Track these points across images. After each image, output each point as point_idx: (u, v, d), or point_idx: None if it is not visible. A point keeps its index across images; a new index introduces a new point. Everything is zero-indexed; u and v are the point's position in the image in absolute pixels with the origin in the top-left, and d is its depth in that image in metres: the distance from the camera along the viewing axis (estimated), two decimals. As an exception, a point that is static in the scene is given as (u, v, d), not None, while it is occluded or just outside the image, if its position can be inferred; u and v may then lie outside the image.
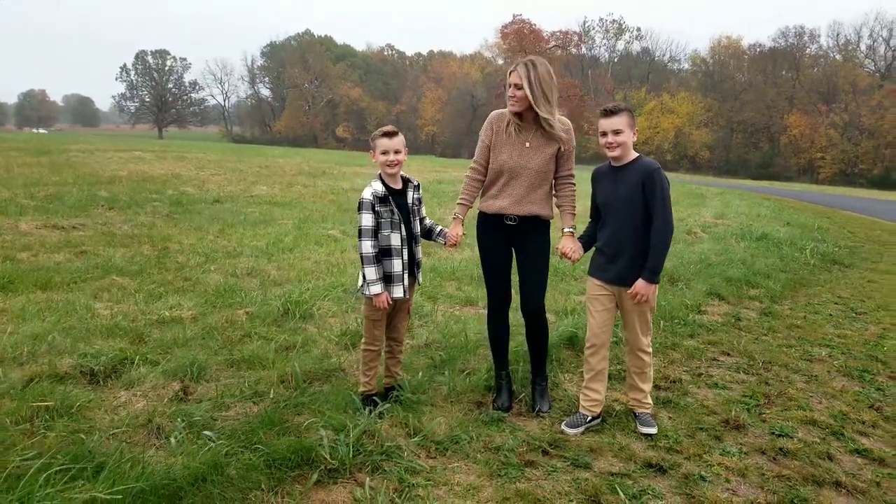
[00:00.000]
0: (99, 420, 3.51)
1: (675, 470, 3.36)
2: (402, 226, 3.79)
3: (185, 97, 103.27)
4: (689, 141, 70.56)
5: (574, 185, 3.96)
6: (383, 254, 3.76)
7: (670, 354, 5.27)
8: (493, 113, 3.96)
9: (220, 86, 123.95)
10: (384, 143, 3.71)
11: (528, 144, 3.80)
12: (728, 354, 5.40)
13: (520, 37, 71.95)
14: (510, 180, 3.83)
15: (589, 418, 3.79)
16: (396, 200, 3.78)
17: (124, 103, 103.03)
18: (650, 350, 3.88)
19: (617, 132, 3.59)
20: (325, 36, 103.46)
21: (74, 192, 13.19)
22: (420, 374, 4.34)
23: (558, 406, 4.08)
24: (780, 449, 3.66)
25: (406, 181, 3.88)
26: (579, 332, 5.16)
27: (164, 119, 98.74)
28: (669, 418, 4.00)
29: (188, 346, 4.75)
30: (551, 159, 3.83)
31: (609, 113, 3.61)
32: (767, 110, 70.91)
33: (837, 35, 75.02)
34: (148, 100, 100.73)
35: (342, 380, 4.25)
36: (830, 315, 6.97)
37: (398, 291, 3.80)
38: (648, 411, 3.87)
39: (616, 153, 3.63)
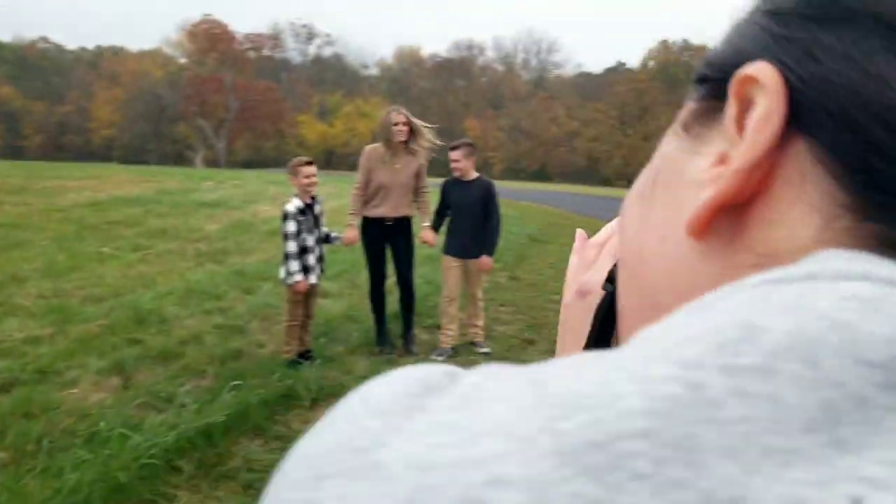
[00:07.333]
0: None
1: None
2: (314, 230, 5.25)
3: None
4: (385, 144, 75.03)
5: (428, 192, 5.73)
6: (302, 251, 5.18)
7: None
8: (368, 147, 5.55)
9: None
10: (309, 170, 5.14)
11: (397, 166, 5.51)
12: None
13: (211, 38, 69.97)
14: (387, 194, 5.51)
15: (449, 348, 5.67)
16: (309, 211, 5.23)
17: None
18: (483, 298, 5.90)
19: (456, 160, 5.51)
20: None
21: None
22: (321, 339, 5.80)
23: (421, 347, 5.88)
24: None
25: (313, 197, 5.34)
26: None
27: None
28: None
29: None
30: (412, 176, 5.58)
31: (451, 148, 5.53)
32: (449, 116, 79.16)
33: (500, 49, 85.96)
34: None
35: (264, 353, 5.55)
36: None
37: (313, 278, 5.25)
38: (482, 339, 5.89)
39: (457, 173, 5.56)
